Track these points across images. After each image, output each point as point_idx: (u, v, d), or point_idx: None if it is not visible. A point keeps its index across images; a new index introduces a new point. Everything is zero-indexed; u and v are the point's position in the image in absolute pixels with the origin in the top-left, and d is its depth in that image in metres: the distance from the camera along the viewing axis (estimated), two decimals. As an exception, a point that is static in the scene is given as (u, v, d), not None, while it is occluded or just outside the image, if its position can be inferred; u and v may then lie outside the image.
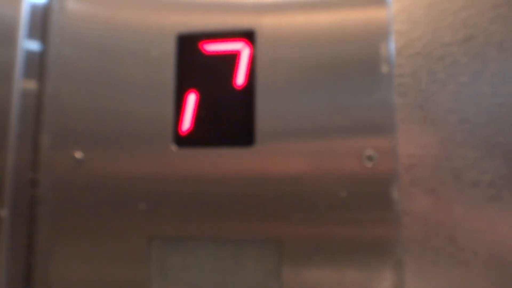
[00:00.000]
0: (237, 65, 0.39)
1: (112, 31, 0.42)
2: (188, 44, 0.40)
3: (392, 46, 0.37)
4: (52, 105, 0.42)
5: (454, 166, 0.36)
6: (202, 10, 0.40)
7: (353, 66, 0.37)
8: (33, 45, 0.43)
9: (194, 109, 0.39)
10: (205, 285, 0.38)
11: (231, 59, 0.39)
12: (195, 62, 0.40)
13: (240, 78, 0.39)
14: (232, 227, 0.37)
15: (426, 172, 0.36)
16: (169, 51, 0.40)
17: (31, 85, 0.43)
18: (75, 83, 0.42)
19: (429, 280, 0.35)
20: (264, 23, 0.39)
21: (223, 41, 0.39)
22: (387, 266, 0.35)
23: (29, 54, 0.42)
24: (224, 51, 0.39)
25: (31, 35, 0.43)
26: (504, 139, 0.35)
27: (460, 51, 0.36)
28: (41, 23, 0.44)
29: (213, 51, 0.40)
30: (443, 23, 0.37)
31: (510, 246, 0.35)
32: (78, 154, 0.40)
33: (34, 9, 0.43)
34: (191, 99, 0.39)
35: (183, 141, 0.39)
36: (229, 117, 0.38)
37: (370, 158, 0.36)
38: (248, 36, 0.39)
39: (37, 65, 0.43)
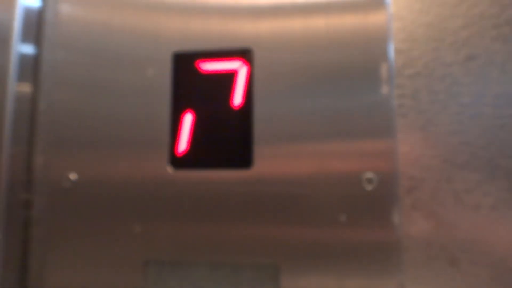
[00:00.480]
0: (234, 85, 0.38)
1: (106, 36, 0.41)
2: (184, 63, 0.39)
3: (391, 53, 0.36)
4: (46, 112, 0.41)
5: (455, 189, 0.35)
6: (199, 28, 0.39)
7: (353, 82, 0.36)
8: (27, 49, 0.42)
9: (191, 130, 0.38)
10: (202, 309, 0.37)
11: (228, 78, 0.38)
12: (191, 81, 0.39)
13: (238, 98, 0.38)
14: (230, 251, 0.37)
15: (427, 195, 0.35)
16: (165, 70, 0.39)
17: (25, 88, 0.42)
18: (69, 87, 0.41)
19: (431, 306, 0.34)
20: (262, 40, 0.38)
21: (220, 60, 0.39)
22: (388, 290, 0.34)
23: (23, 58, 0.42)
24: (221, 71, 0.39)
25: (25, 39, 0.42)
26: (506, 162, 0.34)
27: (461, 71, 0.36)
28: (35, 27, 0.43)
29: (210, 70, 0.39)
30: (444, 42, 0.36)
31: (508, 267, 0.34)
32: (73, 176, 0.39)
33: (28, 13, 0.42)
34: (188, 120, 0.38)
35: (179, 162, 0.38)
36: (226, 138, 0.38)
37: (369, 181, 0.35)
38: (245, 54, 0.38)
39: (31, 69, 0.43)
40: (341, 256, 0.35)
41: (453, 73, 0.36)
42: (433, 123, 0.36)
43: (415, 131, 0.36)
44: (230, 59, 0.39)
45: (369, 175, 0.35)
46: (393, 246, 0.34)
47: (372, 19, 0.37)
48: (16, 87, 0.41)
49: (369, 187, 0.35)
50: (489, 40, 0.36)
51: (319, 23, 0.38)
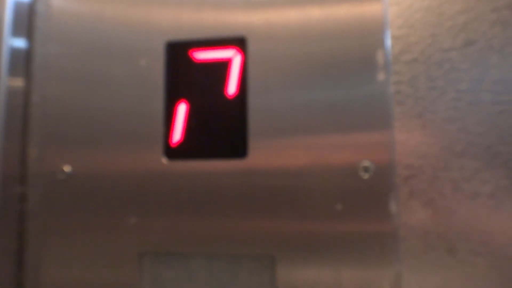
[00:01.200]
0: (229, 74, 0.38)
1: (98, 28, 0.40)
2: (177, 52, 0.39)
3: (388, 42, 0.35)
4: (39, 105, 0.41)
5: (453, 177, 0.34)
6: (192, 18, 0.39)
7: (349, 72, 0.35)
8: (19, 43, 0.42)
9: (185, 120, 0.38)
10: (199, 300, 0.37)
11: (222, 67, 0.38)
12: (185, 71, 0.38)
13: (232, 87, 0.37)
14: (226, 241, 0.36)
15: (424, 184, 0.35)
16: (158, 60, 0.39)
17: (17, 82, 0.42)
18: (62, 80, 0.40)
19: (428, 295, 0.34)
20: (256, 29, 0.38)
21: (214, 49, 0.38)
22: (385, 280, 0.34)
23: (15, 52, 0.41)
24: (215, 59, 0.38)
25: (16, 32, 0.41)
26: (505, 149, 0.34)
27: (459, 57, 0.35)
28: (26, 20, 0.43)
29: (204, 59, 0.38)
30: (442, 27, 0.36)
31: (510, 257, 0.33)
32: (67, 168, 0.39)
33: (19, 6, 0.42)
34: (182, 110, 0.38)
35: (173, 153, 0.38)
36: (221, 128, 0.37)
37: (366, 169, 0.34)
38: (239, 43, 0.38)
39: (23, 62, 0.42)
40: (338, 246, 0.35)
41: (451, 59, 0.35)
42: (430, 110, 0.35)
43: (412, 118, 0.35)
44: (224, 48, 0.38)
45: (366, 163, 0.34)
46: (390, 235, 0.34)
47: (368, 9, 0.36)
48: (8, 81, 0.40)
49: (365, 176, 0.34)
50: (488, 25, 0.35)
51: (314, 13, 0.37)
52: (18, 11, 0.42)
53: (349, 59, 0.36)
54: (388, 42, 0.36)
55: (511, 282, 0.33)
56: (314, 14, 0.37)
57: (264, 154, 0.36)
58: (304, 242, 0.35)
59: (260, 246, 0.36)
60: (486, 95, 0.34)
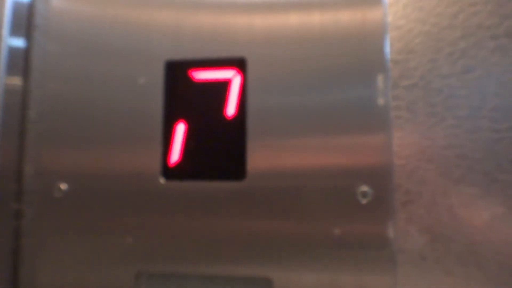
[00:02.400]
0: (228, 94, 0.38)
1: (97, 29, 0.40)
2: (177, 71, 0.38)
3: (387, 51, 0.36)
4: (35, 122, 0.41)
5: (451, 203, 0.34)
6: (191, 36, 0.39)
7: (349, 100, 0.35)
8: (17, 42, 0.42)
9: (183, 140, 0.38)
10: (194, 321, 0.37)
11: (222, 88, 0.38)
12: (184, 90, 0.38)
13: (231, 107, 0.37)
14: (222, 263, 0.36)
15: (422, 209, 0.35)
16: (157, 78, 0.38)
17: (16, 81, 0.41)
18: (60, 83, 0.40)
19: (425, 321, 0.34)
20: (256, 49, 0.38)
21: (213, 69, 0.38)
22: (381, 305, 0.34)
23: (13, 51, 0.41)
24: (214, 80, 0.38)
25: (15, 32, 0.41)
26: (502, 176, 0.34)
27: (458, 83, 0.35)
28: (25, 20, 0.42)
29: (203, 80, 0.38)
30: (441, 53, 0.36)
31: (506, 283, 0.34)
32: (63, 186, 0.39)
33: (18, 6, 0.42)
34: (180, 130, 0.38)
35: (171, 173, 0.37)
36: (220, 149, 0.37)
37: (364, 194, 0.34)
38: (239, 64, 0.38)
39: (21, 62, 0.42)
40: (335, 270, 0.35)
41: (450, 85, 0.35)
42: (429, 137, 0.35)
43: (411, 144, 0.35)
44: (224, 68, 0.38)
45: (364, 188, 0.35)
46: (387, 260, 0.34)
47: (368, 15, 0.36)
48: (6, 80, 0.40)
49: (364, 201, 0.34)
50: (487, 52, 0.35)
51: (314, 19, 0.37)
52: (17, 10, 0.42)
53: (349, 71, 0.36)
54: (388, 48, 0.36)
55: (507, 309, 0.33)
56: (314, 20, 0.37)
57: (263, 176, 0.36)
58: (302, 265, 0.35)
59: (257, 268, 0.36)
60: (484, 122, 0.35)
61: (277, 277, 0.35)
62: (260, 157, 0.36)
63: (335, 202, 0.35)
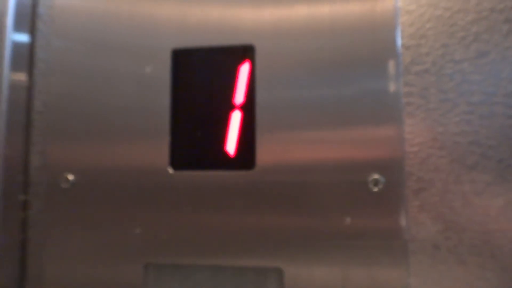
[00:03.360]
0: (236, 82, 0.37)
1: (102, 21, 0.40)
2: (184, 59, 0.38)
3: (399, 41, 0.35)
4: (41, 113, 0.40)
5: (464, 190, 0.34)
6: (199, 23, 0.38)
7: (360, 89, 0.35)
8: (21, 37, 0.41)
9: (191, 129, 0.37)
10: (204, 312, 0.37)
11: (230, 75, 0.37)
12: (191, 79, 0.38)
13: (240, 95, 0.37)
14: (231, 253, 0.36)
15: (435, 197, 0.34)
16: (165, 66, 0.38)
17: (21, 76, 0.41)
18: (64, 78, 0.40)
19: (438, 310, 0.34)
20: (264, 36, 0.37)
21: (222, 57, 0.37)
22: (393, 294, 0.34)
23: (17, 46, 0.41)
24: (223, 68, 0.37)
25: (19, 27, 0.41)
26: (517, 163, 0.33)
27: (471, 69, 0.34)
28: (29, 15, 0.42)
29: (211, 68, 0.38)
30: (454, 38, 0.35)
31: (522, 272, 0.33)
32: (70, 176, 0.38)
33: (22, 1, 0.41)
34: (188, 119, 0.37)
35: (179, 163, 0.37)
36: (228, 138, 0.37)
37: (376, 182, 0.34)
38: (247, 51, 0.37)
39: (26, 56, 0.42)
40: (346, 259, 0.34)
41: (463, 70, 0.35)
42: (442, 123, 0.34)
43: (423, 131, 0.35)
44: (232, 56, 0.37)
45: (376, 176, 0.34)
46: (399, 249, 0.33)
47: (379, 6, 0.35)
48: (11, 75, 0.40)
49: (375, 189, 0.34)
50: (501, 36, 0.34)
51: (323, 11, 0.36)
52: (20, 6, 0.41)
53: (359, 62, 0.35)
54: (399, 40, 0.35)
55: (521, 297, 0.33)
56: (324, 11, 0.36)
57: (272, 166, 0.35)
58: (313, 255, 0.35)
59: (267, 259, 0.35)
60: (498, 108, 0.34)
61: (288, 268, 0.35)
62: (269, 146, 0.36)
63: (346, 190, 0.34)
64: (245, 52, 0.37)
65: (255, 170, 0.36)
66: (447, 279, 0.34)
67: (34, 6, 0.42)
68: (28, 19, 0.42)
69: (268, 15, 0.37)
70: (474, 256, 0.34)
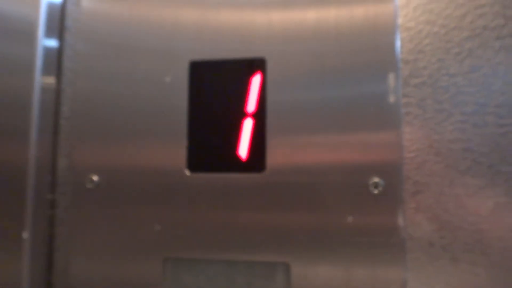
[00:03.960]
0: (248, 92, 0.40)
1: (125, 29, 0.43)
2: (201, 71, 0.41)
3: (398, 44, 0.38)
4: (68, 118, 0.44)
5: (457, 193, 0.37)
6: (213, 36, 0.41)
7: (363, 97, 0.38)
8: (51, 43, 0.45)
9: (208, 136, 0.40)
10: (217, 303, 0.40)
11: (243, 85, 0.40)
12: (207, 89, 0.41)
13: (251, 104, 0.40)
14: (243, 249, 0.39)
15: (430, 199, 0.37)
16: (183, 77, 0.41)
17: (50, 80, 0.45)
18: (90, 79, 0.43)
19: (432, 303, 0.37)
20: (274, 49, 0.40)
21: (235, 69, 0.41)
22: (392, 286, 0.36)
23: (48, 52, 0.44)
24: (236, 79, 0.41)
25: (49, 33, 0.44)
26: (506, 168, 0.36)
27: (465, 82, 0.38)
28: (58, 21, 0.46)
29: (225, 79, 0.41)
30: (449, 53, 0.38)
31: (509, 268, 0.36)
32: (95, 177, 0.42)
33: (51, 8, 0.45)
34: (204, 125, 0.41)
35: (196, 166, 0.40)
36: (241, 143, 0.40)
37: (376, 185, 0.37)
38: (259, 63, 0.40)
39: (54, 61, 0.45)
40: (349, 255, 0.37)
41: (457, 83, 0.38)
42: (437, 131, 0.38)
43: (420, 138, 0.38)
44: (245, 68, 0.40)
45: (376, 179, 0.37)
46: (397, 246, 0.36)
47: (381, 23, 0.38)
48: (42, 80, 0.43)
49: (375, 191, 0.37)
50: (493, 52, 0.37)
51: (330, 17, 0.39)
52: (50, 12, 0.44)
53: (361, 65, 0.38)
54: (398, 44, 0.38)
55: (510, 292, 0.36)
56: (330, 15, 0.39)
57: (281, 169, 0.39)
58: (317, 250, 0.38)
59: (276, 254, 0.39)
60: (490, 118, 0.37)
61: (294, 262, 0.38)
62: (278, 150, 0.39)
63: (349, 192, 0.37)
64: (257, 64, 0.40)
65: (265, 173, 0.39)
66: (441, 275, 0.37)
67: (63, 12, 0.46)
68: (56, 25, 0.46)
69: (278, 24, 0.40)
70: (466, 253, 0.37)
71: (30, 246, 0.41)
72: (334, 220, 0.38)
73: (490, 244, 0.36)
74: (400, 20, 0.39)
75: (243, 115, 0.40)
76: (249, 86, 0.40)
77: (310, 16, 0.40)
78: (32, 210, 0.42)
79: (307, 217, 0.38)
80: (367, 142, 0.38)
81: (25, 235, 0.40)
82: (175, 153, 0.41)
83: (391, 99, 0.37)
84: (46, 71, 0.44)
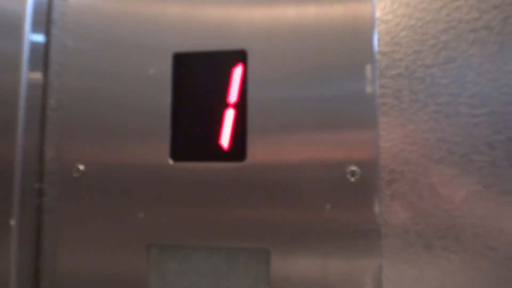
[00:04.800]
0: (230, 83, 0.41)
1: (111, 23, 0.44)
2: (184, 63, 0.42)
3: (375, 38, 0.39)
4: (54, 109, 0.45)
5: (431, 182, 0.38)
6: (198, 30, 0.42)
7: (341, 89, 0.39)
8: (38, 38, 0.45)
9: (190, 125, 0.41)
10: (200, 288, 0.41)
11: (225, 77, 0.41)
12: (190, 80, 0.42)
13: (233, 95, 0.41)
14: (225, 236, 0.40)
15: (405, 187, 0.38)
16: (166, 69, 0.42)
17: (37, 75, 0.46)
18: (77, 73, 0.44)
19: (406, 285, 0.38)
20: (255, 41, 0.41)
21: (217, 61, 0.42)
22: (367, 272, 0.38)
23: (34, 46, 0.45)
24: (218, 70, 0.42)
25: (36, 28, 0.45)
26: (478, 157, 0.37)
27: (440, 73, 0.39)
28: (44, 16, 0.46)
29: (208, 70, 0.42)
30: (425, 45, 0.39)
31: (481, 254, 0.37)
32: (81, 167, 0.43)
33: (38, 2, 0.45)
34: (187, 116, 0.42)
35: (179, 155, 0.41)
36: (223, 133, 0.41)
37: (353, 173, 0.38)
38: (240, 55, 0.41)
39: (41, 56, 0.46)
40: (326, 241, 0.38)
41: (433, 74, 0.39)
42: (412, 121, 0.39)
43: (396, 128, 0.39)
44: (226, 60, 0.41)
45: (353, 168, 0.38)
46: (373, 233, 0.38)
47: (359, 10, 0.39)
48: (28, 75, 0.44)
49: (352, 179, 0.38)
50: (467, 44, 0.39)
51: (309, 13, 0.40)
52: (37, 6, 0.45)
53: (340, 61, 0.39)
54: (375, 37, 0.39)
55: (481, 275, 0.37)
56: (310, 13, 0.40)
57: (261, 158, 0.40)
58: (296, 237, 0.39)
59: (256, 240, 0.40)
60: (463, 108, 0.38)
61: (274, 248, 0.39)
62: (259, 140, 0.40)
63: (327, 180, 0.39)
64: (238, 56, 0.41)
65: (246, 162, 0.40)
66: (416, 260, 0.38)
67: (49, 8, 0.47)
68: (43, 19, 0.46)
69: (260, 19, 0.41)
70: (439, 239, 0.38)
71: (18, 233, 0.42)
72: (312, 208, 0.39)
73: (463, 230, 0.38)
74: (378, 13, 0.40)
75: (225, 105, 0.41)
76: (231, 77, 0.41)
77: (290, 12, 0.41)
78: (19, 199, 0.43)
79: (287, 205, 0.39)
80: (345, 132, 0.39)
81: (13, 222, 0.41)
82: (159, 142, 0.42)
83: (368, 90, 0.39)
84: (32, 65, 0.44)
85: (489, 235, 0.37)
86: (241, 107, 0.41)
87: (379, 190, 0.38)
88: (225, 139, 0.41)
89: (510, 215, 0.37)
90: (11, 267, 0.42)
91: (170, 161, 0.41)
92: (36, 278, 0.44)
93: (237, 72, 0.41)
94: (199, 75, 0.42)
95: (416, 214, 0.38)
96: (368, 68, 0.39)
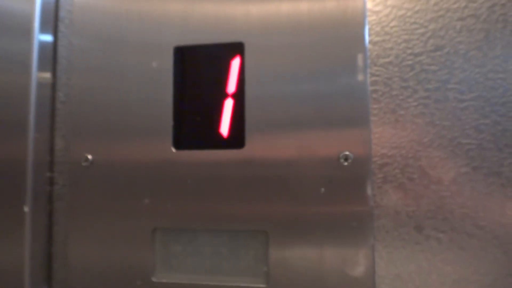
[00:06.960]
0: (229, 74, 0.43)
1: (115, 21, 0.46)
2: (184, 55, 0.44)
3: (366, 29, 0.40)
4: (64, 102, 0.47)
5: (421, 165, 0.40)
6: (197, 24, 0.44)
7: (334, 79, 0.41)
8: (46, 38, 0.48)
9: (192, 115, 0.44)
10: (203, 270, 0.44)
11: (223, 68, 0.43)
12: (191, 71, 0.44)
13: (232, 86, 0.43)
14: (226, 220, 0.42)
15: (396, 170, 0.40)
16: (168, 61, 0.44)
17: (47, 73, 0.48)
18: (83, 74, 0.46)
19: (397, 264, 0.40)
20: (252, 34, 0.43)
21: (216, 53, 0.44)
22: (360, 252, 0.40)
23: (43, 46, 0.47)
24: (217, 62, 0.44)
25: (44, 27, 0.47)
26: (466, 140, 0.39)
27: (428, 60, 0.40)
28: (52, 16, 0.49)
29: (207, 62, 0.44)
30: (414, 34, 0.41)
31: (469, 233, 0.39)
32: (90, 156, 0.45)
33: (46, 3, 0.48)
34: (189, 106, 0.44)
35: (181, 143, 0.44)
36: (222, 122, 0.43)
37: (346, 158, 0.40)
38: (238, 47, 0.43)
39: (50, 55, 0.48)
40: (321, 224, 0.40)
41: (421, 62, 0.40)
42: (402, 107, 0.40)
43: (386, 114, 0.41)
44: (225, 52, 0.44)
45: (346, 152, 0.40)
46: (366, 214, 0.40)
47: (350, 7, 0.41)
48: (38, 75, 0.46)
49: (345, 163, 0.40)
50: (455, 32, 0.40)
51: (302, 7, 0.42)
52: (45, 5, 0.47)
53: (332, 53, 0.41)
54: (367, 27, 0.40)
55: (470, 253, 0.39)
56: (303, 7, 0.42)
57: (259, 145, 0.42)
58: (293, 220, 0.41)
59: (256, 224, 0.42)
60: (451, 94, 0.40)
61: (272, 230, 0.41)
62: (257, 127, 0.42)
63: (321, 165, 0.41)
64: (236, 48, 0.43)
65: (244, 149, 0.42)
66: (407, 240, 0.40)
67: (56, 8, 0.49)
68: (51, 19, 0.49)
69: (256, 13, 0.43)
70: (429, 220, 0.40)
71: (31, 219, 0.45)
72: (308, 191, 0.41)
73: (451, 210, 0.39)
74: (368, 5, 0.42)
75: (224, 95, 0.43)
76: (230, 69, 0.43)
77: (284, 7, 0.43)
78: (32, 187, 0.45)
79: (284, 189, 0.41)
80: (338, 118, 0.40)
81: (26, 208, 0.44)
82: (162, 132, 0.44)
83: (360, 78, 0.40)
84: (42, 65, 0.47)
85: (476, 214, 0.39)
86: (239, 97, 0.43)
87: (371, 174, 0.40)
88: (224, 128, 0.43)
89: (497, 196, 0.38)
90: (25, 251, 0.45)
91: (173, 150, 0.44)
92: (48, 262, 0.47)
93: (235, 64, 0.43)
94: (199, 67, 0.44)
95: (407, 196, 0.40)
96: (360, 57, 0.40)
